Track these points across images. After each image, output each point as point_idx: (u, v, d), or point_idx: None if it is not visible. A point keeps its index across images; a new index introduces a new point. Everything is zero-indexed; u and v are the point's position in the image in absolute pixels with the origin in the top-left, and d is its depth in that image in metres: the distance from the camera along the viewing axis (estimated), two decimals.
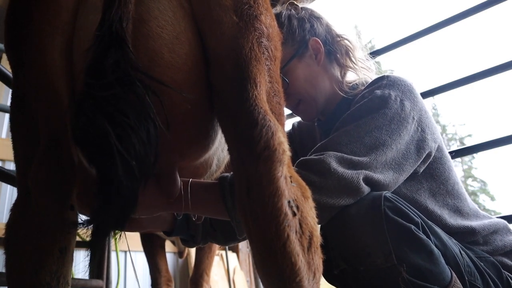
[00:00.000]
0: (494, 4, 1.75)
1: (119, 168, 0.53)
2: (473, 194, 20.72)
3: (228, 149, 0.78)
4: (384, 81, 1.21)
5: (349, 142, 1.06)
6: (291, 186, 0.70)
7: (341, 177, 0.97)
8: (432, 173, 1.21)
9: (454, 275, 0.97)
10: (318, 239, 0.72)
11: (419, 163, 1.15)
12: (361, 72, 1.39)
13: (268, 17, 0.84)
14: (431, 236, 0.99)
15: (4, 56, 2.84)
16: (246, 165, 0.70)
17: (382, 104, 1.13)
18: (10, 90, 1.88)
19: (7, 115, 2.85)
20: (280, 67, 0.91)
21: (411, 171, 1.14)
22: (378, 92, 1.16)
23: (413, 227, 0.95)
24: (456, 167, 21.89)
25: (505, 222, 1.24)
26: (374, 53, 2.12)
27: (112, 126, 0.54)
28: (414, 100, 1.16)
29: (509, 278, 1.09)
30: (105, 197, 0.55)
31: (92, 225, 0.60)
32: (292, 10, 1.43)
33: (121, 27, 0.61)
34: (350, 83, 1.39)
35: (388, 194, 1.00)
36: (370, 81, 1.30)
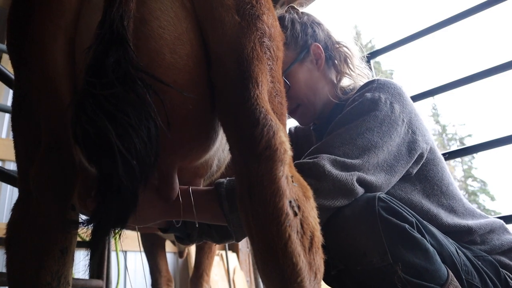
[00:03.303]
0: (494, 4, 1.76)
1: (119, 168, 0.53)
2: (473, 194, 20.70)
3: (229, 149, 0.78)
4: (374, 85, 1.23)
5: (341, 145, 1.07)
6: (292, 186, 0.70)
7: (336, 179, 0.98)
8: (425, 175, 1.22)
9: (450, 273, 0.98)
10: (319, 239, 0.72)
11: (411, 164, 1.16)
12: (357, 78, 1.41)
13: (270, 17, 0.84)
14: (426, 235, 1.00)
15: (5, 56, 2.85)
16: (247, 164, 0.70)
17: (372, 106, 1.14)
18: (10, 90, 1.88)
19: (7, 115, 2.84)
20: (282, 69, 0.91)
21: (403, 173, 1.15)
22: (368, 95, 1.18)
23: (407, 226, 0.96)
24: (456, 167, 21.89)
25: (501, 221, 1.25)
26: (374, 53, 2.13)
27: (112, 125, 0.53)
28: (403, 103, 1.18)
29: (507, 277, 1.09)
30: (105, 196, 0.55)
31: (91, 225, 0.60)
32: (295, 14, 1.44)
33: (122, 25, 0.60)
34: (343, 88, 1.41)
35: (382, 194, 1.01)
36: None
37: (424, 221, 1.06)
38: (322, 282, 1.06)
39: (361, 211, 0.99)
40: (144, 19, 0.71)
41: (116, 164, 0.52)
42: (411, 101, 1.23)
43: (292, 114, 1.46)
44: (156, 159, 0.59)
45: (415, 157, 1.16)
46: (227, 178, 1.06)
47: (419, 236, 0.97)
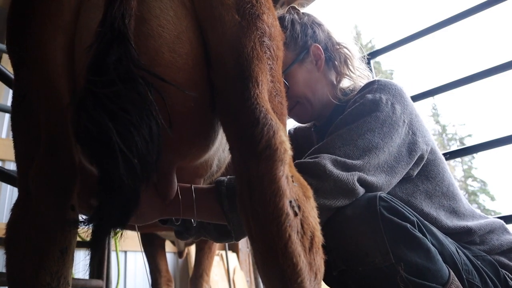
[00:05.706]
0: (494, 4, 1.76)
1: (120, 166, 0.52)
2: (473, 194, 20.68)
3: (229, 149, 0.78)
4: (375, 86, 1.22)
5: (343, 145, 1.07)
6: (292, 185, 0.69)
7: (337, 179, 0.98)
8: (427, 175, 1.22)
9: (451, 272, 0.98)
10: (319, 239, 0.71)
11: (411, 166, 1.16)
12: (357, 80, 1.41)
13: (270, 17, 0.83)
14: (427, 235, 1.00)
15: (5, 56, 2.85)
16: (247, 164, 0.69)
17: (374, 107, 1.14)
18: (10, 90, 1.88)
19: (7, 115, 2.84)
20: (282, 70, 0.91)
21: (404, 174, 1.15)
22: (370, 96, 1.18)
23: (409, 225, 0.96)
24: (456, 167, 21.87)
25: (502, 221, 1.25)
26: (374, 53, 2.13)
27: (113, 124, 0.53)
28: (404, 104, 1.18)
29: (506, 276, 1.09)
30: (106, 195, 0.55)
31: (92, 224, 0.59)
32: (295, 15, 1.44)
33: (124, 23, 0.60)
34: (343, 89, 1.41)
35: (383, 194, 1.01)
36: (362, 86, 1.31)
37: (425, 221, 1.06)
38: (323, 283, 1.06)
39: (362, 211, 0.99)
40: (144, 18, 0.70)
41: (117, 163, 0.52)
42: (411, 102, 1.23)
43: (289, 112, 1.46)
44: (158, 158, 0.59)
45: (415, 159, 1.16)
46: (228, 176, 1.05)
47: (420, 235, 0.97)
